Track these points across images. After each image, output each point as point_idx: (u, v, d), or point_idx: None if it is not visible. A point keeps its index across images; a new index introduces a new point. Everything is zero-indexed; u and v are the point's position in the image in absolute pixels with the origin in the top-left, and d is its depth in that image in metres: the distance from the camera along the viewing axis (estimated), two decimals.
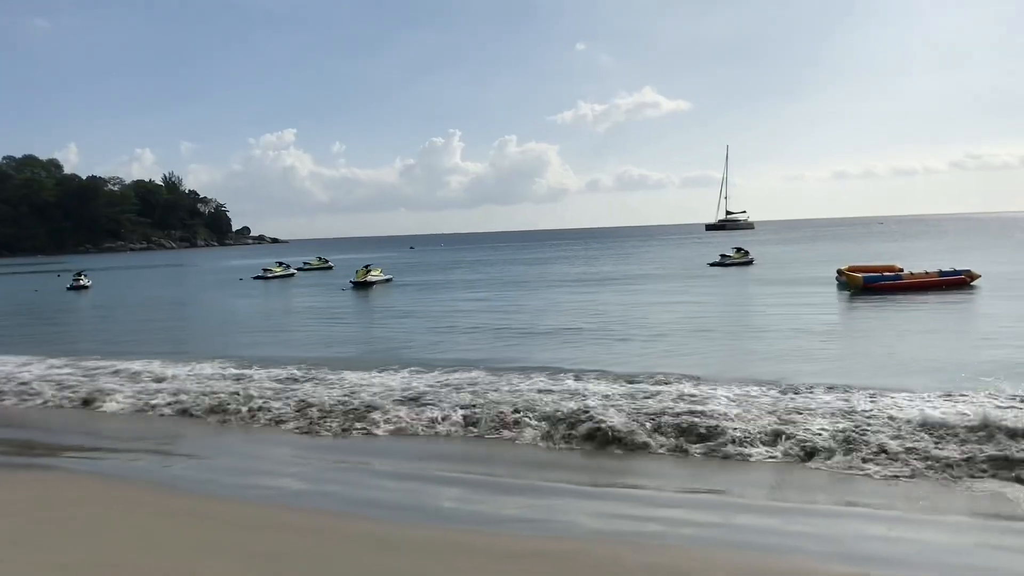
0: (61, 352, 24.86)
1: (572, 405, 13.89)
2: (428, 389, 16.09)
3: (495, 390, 15.62)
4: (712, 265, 60.06)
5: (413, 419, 14.18)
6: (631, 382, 15.94)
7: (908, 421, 11.97)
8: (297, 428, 14.45)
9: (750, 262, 60.79)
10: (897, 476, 10.40)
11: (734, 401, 13.74)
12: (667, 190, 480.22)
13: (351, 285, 51.90)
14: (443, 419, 13.97)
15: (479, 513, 9.86)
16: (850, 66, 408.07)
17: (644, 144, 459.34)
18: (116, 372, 20.36)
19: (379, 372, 18.40)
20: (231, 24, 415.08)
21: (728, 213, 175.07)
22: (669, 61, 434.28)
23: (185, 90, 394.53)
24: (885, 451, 11.06)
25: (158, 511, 10.26)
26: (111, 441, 14.13)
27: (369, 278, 52.97)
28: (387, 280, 54.93)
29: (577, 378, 16.64)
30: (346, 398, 15.66)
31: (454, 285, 51.17)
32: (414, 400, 15.27)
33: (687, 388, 14.96)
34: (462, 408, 14.37)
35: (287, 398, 16.11)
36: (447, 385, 16.47)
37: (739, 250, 63.14)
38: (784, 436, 11.80)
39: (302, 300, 46.25)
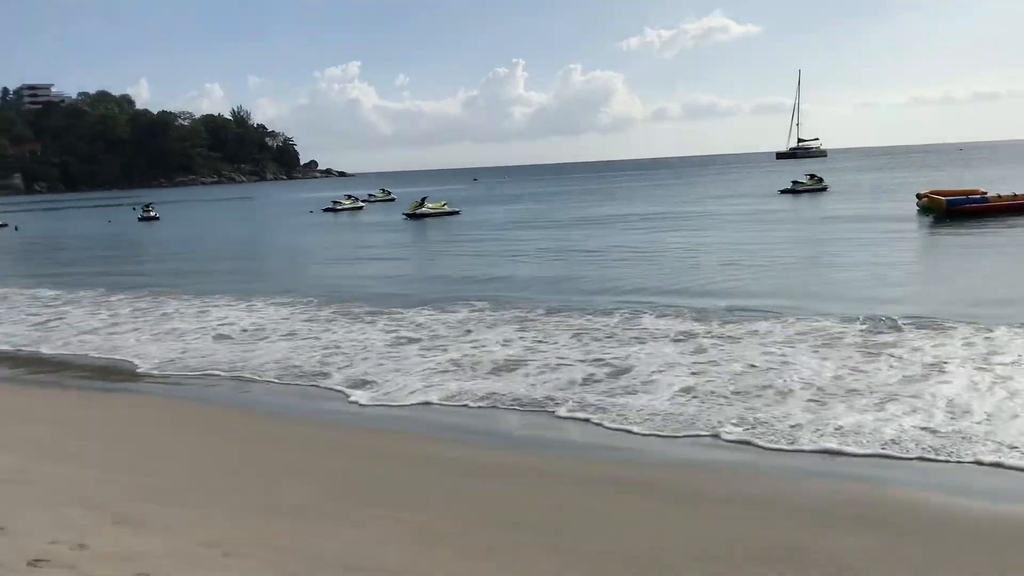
0: (134, 285, 25.53)
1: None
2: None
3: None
4: (783, 192, 58.52)
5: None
6: (700, 319, 15.56)
7: None
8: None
9: (824, 189, 59.02)
10: None
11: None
12: (736, 118, 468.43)
13: (404, 218, 51.89)
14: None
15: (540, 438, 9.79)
16: None
17: (713, 71, 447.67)
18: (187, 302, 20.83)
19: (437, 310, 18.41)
20: None
21: (800, 141, 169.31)
22: None
23: (252, 24, 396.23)
24: None
25: (239, 434, 10.38)
26: (190, 368, 14.28)
27: (424, 210, 52.64)
28: (453, 213, 54.25)
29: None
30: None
31: (516, 218, 50.48)
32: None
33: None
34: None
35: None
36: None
37: (812, 176, 61.27)
38: None
39: (365, 235, 46.26)
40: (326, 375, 13.06)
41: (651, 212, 47.98)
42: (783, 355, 12.46)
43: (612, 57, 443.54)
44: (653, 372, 11.91)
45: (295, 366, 13.71)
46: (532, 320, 16.46)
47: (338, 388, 12.29)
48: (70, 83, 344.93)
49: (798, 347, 12.90)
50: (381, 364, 13.46)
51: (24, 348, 16.94)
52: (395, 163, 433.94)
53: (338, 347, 14.86)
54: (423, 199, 54.94)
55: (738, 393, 10.73)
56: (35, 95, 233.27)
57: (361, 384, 12.35)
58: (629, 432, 9.59)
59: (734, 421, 9.60)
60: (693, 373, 11.80)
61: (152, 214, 66.28)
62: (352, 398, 11.72)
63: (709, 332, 14.41)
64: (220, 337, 16.57)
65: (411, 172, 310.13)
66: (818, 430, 9.13)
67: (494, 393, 11.44)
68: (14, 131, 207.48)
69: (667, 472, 8.41)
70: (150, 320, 19.05)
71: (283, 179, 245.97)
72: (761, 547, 6.42)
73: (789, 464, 8.44)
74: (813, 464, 8.39)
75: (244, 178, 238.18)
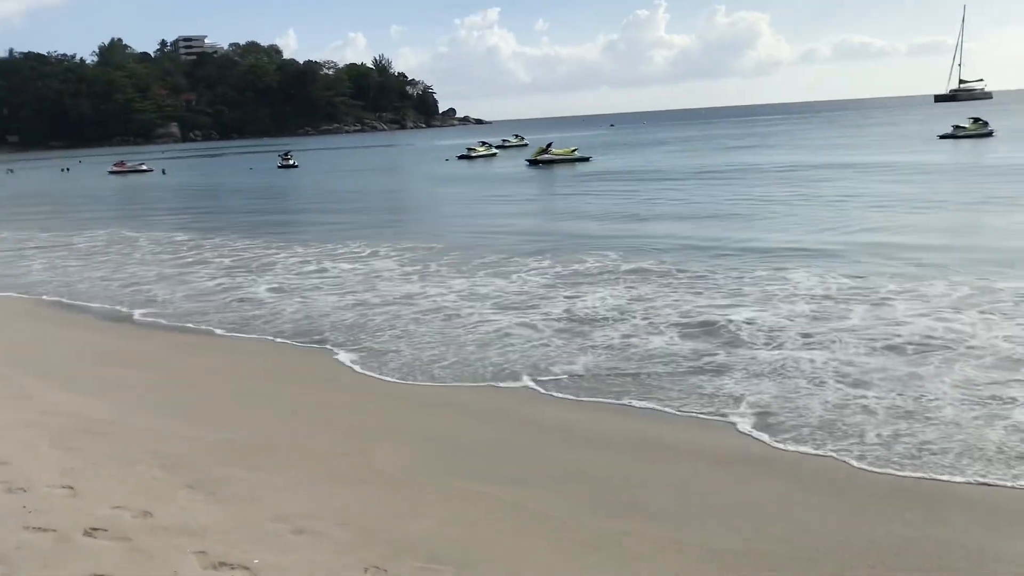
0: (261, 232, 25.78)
1: None
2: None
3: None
4: (943, 138, 54.02)
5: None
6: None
7: None
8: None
9: (989, 134, 54.13)
10: None
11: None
12: (892, 59, 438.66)
13: (527, 164, 50.79)
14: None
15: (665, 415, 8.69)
16: None
17: (866, 9, 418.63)
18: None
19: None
20: None
21: (962, 82, 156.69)
22: None
23: None
24: None
25: (343, 390, 9.82)
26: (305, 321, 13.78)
27: (547, 156, 51.22)
28: (583, 159, 52.54)
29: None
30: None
31: (650, 168, 48.32)
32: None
33: None
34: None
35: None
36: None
37: (976, 120, 56.25)
38: None
39: (492, 187, 45.52)
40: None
41: (794, 163, 44.80)
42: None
43: None
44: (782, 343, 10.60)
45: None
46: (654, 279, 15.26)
47: None
48: (222, 34, 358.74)
49: None
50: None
51: (139, 289, 17.11)
52: (532, 110, 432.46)
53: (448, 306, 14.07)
54: (548, 145, 53.57)
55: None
56: (190, 46, 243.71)
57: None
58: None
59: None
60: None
61: (291, 162, 68.20)
62: None
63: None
64: (336, 287, 16.19)
65: (548, 119, 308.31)
66: None
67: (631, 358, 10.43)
68: (171, 81, 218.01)
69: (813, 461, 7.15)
70: (269, 270, 18.92)
71: (422, 127, 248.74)
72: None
73: None
74: None
75: (385, 126, 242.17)
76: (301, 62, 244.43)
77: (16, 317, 15.09)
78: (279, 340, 12.31)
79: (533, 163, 50.86)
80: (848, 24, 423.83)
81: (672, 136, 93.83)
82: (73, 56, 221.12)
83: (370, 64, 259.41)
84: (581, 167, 49.49)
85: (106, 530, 5.28)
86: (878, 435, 7.29)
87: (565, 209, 29.43)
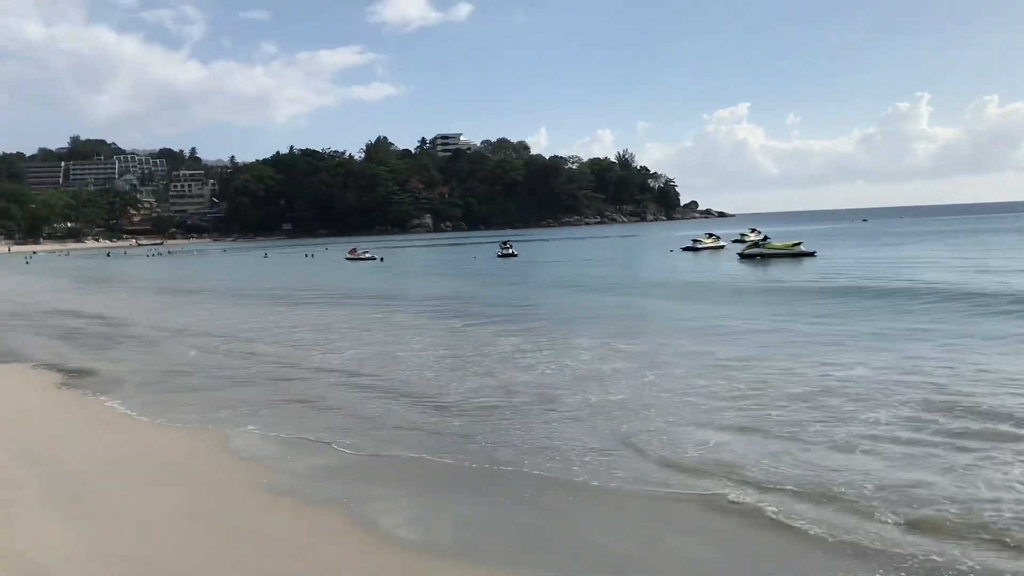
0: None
1: None
2: None
3: None
4: None
5: None
6: None
7: None
8: None
9: None
10: None
11: None
12: None
13: (738, 258, 46.45)
14: None
15: None
16: None
17: None
18: None
19: None
20: (681, 2, 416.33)
21: None
22: None
23: (643, 72, 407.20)
24: None
25: None
26: None
27: (757, 251, 47.05)
28: (807, 254, 47.62)
29: None
30: None
31: (882, 261, 42.33)
32: None
33: None
34: None
35: None
36: None
37: None
38: None
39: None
40: None
41: None
42: None
43: None
44: None
45: None
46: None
47: None
48: (481, 133, 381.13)
49: None
50: None
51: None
52: (780, 204, 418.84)
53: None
54: (763, 238, 48.95)
55: None
56: (446, 144, 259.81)
57: None
58: None
59: None
60: None
61: (510, 251, 68.58)
62: None
63: None
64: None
65: (795, 212, 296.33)
66: None
67: None
68: (427, 175, 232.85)
69: None
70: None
71: (663, 219, 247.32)
72: None
73: None
74: None
75: (625, 218, 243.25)
76: (547, 157, 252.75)
77: None
78: None
79: (746, 257, 46.45)
80: None
81: (929, 229, 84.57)
82: (343, 152, 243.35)
83: (613, 159, 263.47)
84: (806, 263, 44.59)
85: None
86: None
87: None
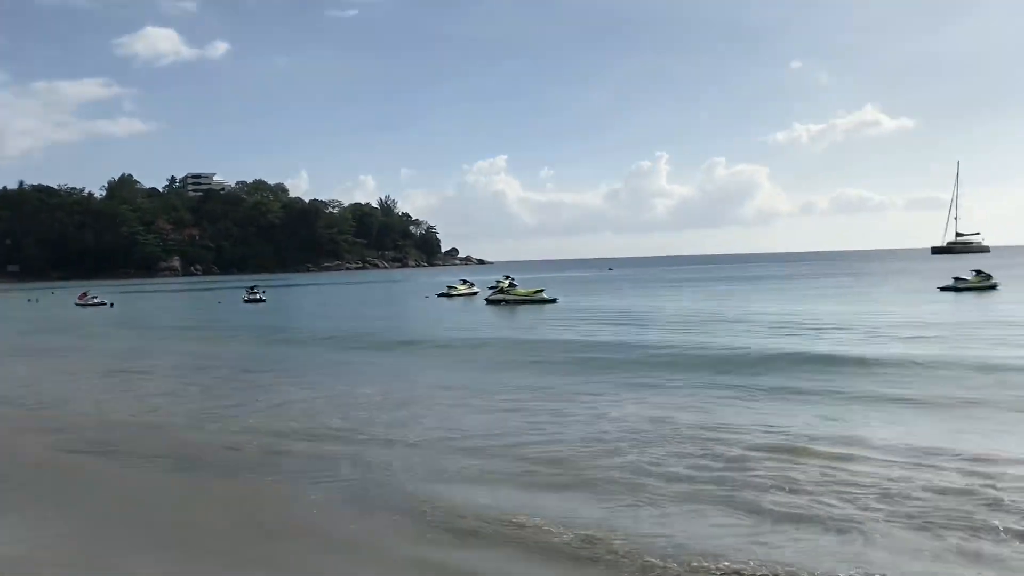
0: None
1: None
2: None
3: None
4: (944, 290, 50.50)
5: None
6: None
7: None
8: None
9: (993, 287, 50.69)
10: None
11: None
12: (889, 213, 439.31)
13: (485, 303, 47.24)
14: None
15: None
16: None
17: (864, 165, 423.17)
18: None
19: None
20: (449, 55, 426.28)
21: (958, 235, 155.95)
22: (893, 77, 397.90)
23: (407, 120, 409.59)
24: None
25: None
26: None
27: (502, 296, 48.15)
28: (548, 300, 49.09)
29: None
30: None
31: (620, 310, 44.57)
32: None
33: None
34: None
35: None
36: None
37: (979, 273, 53.02)
38: None
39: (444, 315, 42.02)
40: None
41: (779, 312, 41.11)
42: None
43: (757, 150, 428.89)
44: None
45: None
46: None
47: None
48: (238, 174, 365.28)
49: None
50: None
51: None
52: (536, 252, 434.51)
53: None
54: (508, 280, 50.12)
55: None
56: (198, 183, 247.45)
57: None
58: None
59: None
60: None
61: (257, 296, 65.28)
62: None
63: None
64: None
65: (550, 261, 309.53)
66: None
67: None
68: (176, 216, 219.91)
69: None
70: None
71: (424, 266, 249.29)
72: None
73: None
74: None
75: (387, 264, 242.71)
76: (308, 201, 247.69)
77: None
78: None
79: (492, 303, 47.21)
80: (845, 178, 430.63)
81: (667, 276, 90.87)
82: (82, 190, 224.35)
83: (375, 204, 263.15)
84: (547, 309, 45.90)
85: None
86: None
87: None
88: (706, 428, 13.33)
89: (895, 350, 22.76)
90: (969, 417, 14.12)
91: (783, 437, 12.54)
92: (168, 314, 58.31)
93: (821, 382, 17.83)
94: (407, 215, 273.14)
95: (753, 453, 11.60)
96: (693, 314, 38.55)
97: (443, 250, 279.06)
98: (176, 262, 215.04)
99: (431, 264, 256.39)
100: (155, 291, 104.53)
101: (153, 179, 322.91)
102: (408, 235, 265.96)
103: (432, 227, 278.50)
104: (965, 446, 11.70)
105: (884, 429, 13.02)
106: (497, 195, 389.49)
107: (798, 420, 13.85)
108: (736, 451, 11.74)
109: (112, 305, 67.36)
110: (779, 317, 35.17)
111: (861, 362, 20.56)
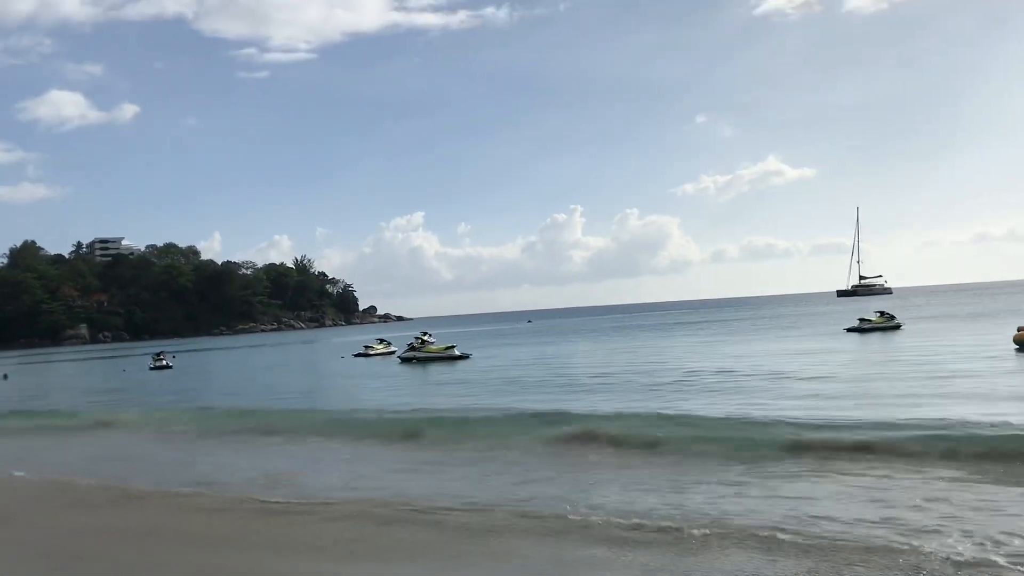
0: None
1: None
2: None
3: None
4: (850, 331, 52.24)
5: None
6: None
7: None
8: None
9: (897, 327, 52.75)
10: None
11: None
12: (795, 258, 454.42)
13: (399, 361, 46.41)
14: None
15: None
16: (985, 124, 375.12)
17: (769, 213, 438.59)
18: None
19: None
20: (361, 114, 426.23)
21: (862, 278, 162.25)
22: (793, 129, 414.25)
23: (321, 179, 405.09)
24: None
25: None
26: None
27: (419, 354, 47.90)
28: (460, 357, 48.52)
29: None
30: None
31: (534, 362, 44.54)
32: None
33: None
34: None
35: None
36: None
37: (882, 314, 55.24)
38: None
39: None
40: None
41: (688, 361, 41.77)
42: None
43: (668, 202, 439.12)
44: None
45: None
46: None
47: None
48: (147, 238, 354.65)
49: None
50: None
51: None
52: (455, 307, 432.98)
53: None
54: (423, 336, 49.69)
55: None
56: (106, 248, 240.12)
57: None
58: None
59: None
60: None
61: (163, 363, 63.05)
62: None
63: None
64: None
65: (469, 315, 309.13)
66: None
67: None
68: (83, 282, 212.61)
69: None
70: None
71: (342, 324, 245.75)
72: None
73: None
74: None
75: (304, 324, 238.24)
76: (220, 263, 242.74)
77: None
78: None
79: (406, 360, 46.64)
80: (752, 227, 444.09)
81: (586, 327, 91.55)
82: None
83: (291, 264, 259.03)
84: (459, 365, 45.37)
85: None
86: None
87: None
88: None
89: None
90: None
91: None
92: (62, 384, 55.77)
93: None
94: (323, 274, 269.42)
95: None
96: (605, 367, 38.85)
97: (361, 308, 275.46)
98: (83, 330, 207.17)
99: (349, 323, 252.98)
100: (62, 360, 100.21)
101: (59, 245, 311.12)
102: (325, 294, 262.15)
103: (350, 285, 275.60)
104: None
105: None
106: (415, 251, 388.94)
107: None
108: None
109: (6, 377, 64.02)
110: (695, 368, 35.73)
111: None
